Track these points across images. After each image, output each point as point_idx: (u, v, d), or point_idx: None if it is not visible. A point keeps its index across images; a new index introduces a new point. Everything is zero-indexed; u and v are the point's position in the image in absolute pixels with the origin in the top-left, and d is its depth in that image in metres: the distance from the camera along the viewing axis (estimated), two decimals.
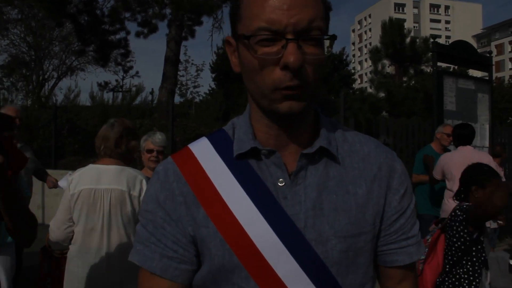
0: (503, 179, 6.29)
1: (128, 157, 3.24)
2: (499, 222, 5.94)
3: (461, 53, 8.20)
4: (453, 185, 4.97)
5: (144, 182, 3.14)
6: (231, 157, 1.13)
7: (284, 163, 1.10)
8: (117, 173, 3.09)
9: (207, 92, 28.81)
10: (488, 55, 9.14)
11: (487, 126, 8.45)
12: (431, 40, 8.03)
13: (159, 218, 1.12)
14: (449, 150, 5.84)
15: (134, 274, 3.13)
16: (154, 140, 3.93)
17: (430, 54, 24.29)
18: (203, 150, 1.17)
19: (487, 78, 8.99)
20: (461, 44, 8.35)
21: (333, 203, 1.09)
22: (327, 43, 1.13)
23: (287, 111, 1.03)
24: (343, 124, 1.31)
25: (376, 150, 1.19)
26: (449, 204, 5.10)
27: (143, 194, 3.09)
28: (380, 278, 1.24)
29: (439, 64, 7.92)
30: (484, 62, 8.90)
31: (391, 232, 1.16)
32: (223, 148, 1.15)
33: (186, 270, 1.12)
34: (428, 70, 28.45)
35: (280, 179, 1.09)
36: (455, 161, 5.16)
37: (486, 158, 5.14)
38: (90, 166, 3.15)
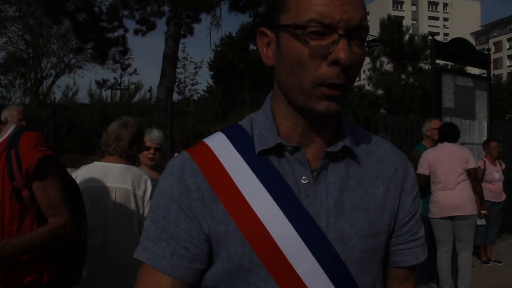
0: (498, 175, 6.46)
1: (135, 157, 3.25)
2: (483, 212, 6.01)
3: (459, 51, 8.21)
4: (436, 177, 5.60)
5: (148, 181, 3.14)
6: (250, 153, 1.10)
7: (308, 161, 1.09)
8: (123, 172, 3.09)
9: (206, 89, 28.81)
10: (486, 52, 9.16)
11: (485, 123, 8.48)
12: (430, 37, 8.04)
13: (172, 214, 1.07)
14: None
15: (136, 271, 3.14)
16: (152, 137, 3.91)
17: (428, 51, 24.29)
18: (220, 145, 1.13)
19: (485, 75, 9.01)
20: (459, 42, 8.37)
21: (353, 202, 1.09)
22: None
23: (324, 112, 1.01)
24: None
25: (392, 152, 1.20)
26: (437, 195, 5.64)
27: (147, 194, 3.10)
28: (386, 277, 1.23)
29: (437, 61, 7.93)
30: (482, 60, 8.93)
31: (402, 233, 1.18)
32: (241, 143, 1.12)
33: (197, 270, 1.08)
34: (427, 68, 28.44)
35: (304, 177, 1.07)
36: (438, 155, 5.62)
37: (466, 153, 5.66)
38: (96, 163, 3.14)
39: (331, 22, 0.96)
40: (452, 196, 5.53)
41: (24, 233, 2.06)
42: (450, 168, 5.55)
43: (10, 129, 2.13)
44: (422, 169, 5.73)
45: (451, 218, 5.59)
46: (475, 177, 5.78)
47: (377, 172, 1.14)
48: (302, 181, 1.07)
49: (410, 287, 1.23)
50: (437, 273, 5.85)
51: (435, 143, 5.97)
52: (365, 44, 1.03)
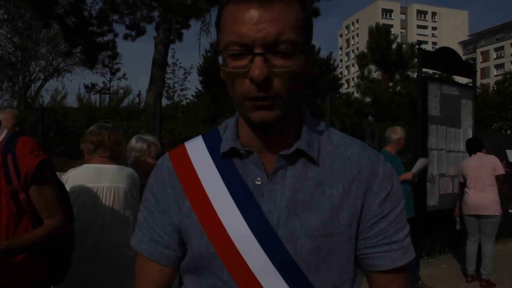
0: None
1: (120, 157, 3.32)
2: (510, 211, 7.11)
3: (445, 60, 8.31)
4: (468, 182, 6.87)
5: (138, 180, 3.21)
6: (218, 155, 1.21)
7: (263, 163, 1.16)
8: (118, 171, 3.14)
9: (194, 95, 28.80)
10: (472, 61, 9.27)
11: (470, 132, 8.58)
12: (417, 46, 8.13)
13: (152, 206, 1.26)
14: (402, 153, 6.57)
15: (128, 271, 3.17)
16: (158, 144, 3.92)
17: (415, 60, 24.53)
18: (195, 147, 1.27)
19: (471, 84, 9.12)
20: (446, 51, 8.46)
21: (307, 204, 1.13)
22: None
23: (259, 121, 1.08)
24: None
25: (360, 153, 1.21)
26: (468, 196, 6.86)
27: (137, 192, 3.20)
28: (368, 283, 1.25)
29: (425, 70, 8.02)
30: (468, 69, 9.03)
31: (371, 235, 1.18)
32: (213, 146, 1.23)
33: (169, 255, 1.24)
34: (414, 76, 28.64)
35: (258, 178, 1.16)
36: (470, 164, 6.94)
37: (493, 161, 6.88)
38: (86, 165, 3.16)
39: (247, 42, 1.02)
40: (480, 198, 6.72)
41: (20, 235, 2.12)
42: (479, 175, 6.77)
43: (2, 134, 2.17)
44: (459, 178, 7.15)
45: (478, 216, 6.76)
46: (503, 181, 6.80)
47: (338, 173, 1.17)
48: (257, 182, 1.16)
49: None
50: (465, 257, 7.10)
51: (398, 150, 6.33)
52: (300, 52, 1.06)
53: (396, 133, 6.30)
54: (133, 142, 3.66)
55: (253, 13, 1.02)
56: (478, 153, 7.01)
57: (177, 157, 1.27)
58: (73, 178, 3.07)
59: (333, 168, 1.18)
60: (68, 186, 3.05)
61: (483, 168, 6.79)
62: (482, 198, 6.71)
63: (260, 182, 1.15)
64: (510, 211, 7.05)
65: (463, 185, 7.03)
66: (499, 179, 6.76)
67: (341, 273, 1.16)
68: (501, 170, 6.80)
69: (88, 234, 3.01)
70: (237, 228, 1.13)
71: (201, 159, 1.23)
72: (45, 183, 2.23)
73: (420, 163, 6.35)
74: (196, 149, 1.26)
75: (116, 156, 3.21)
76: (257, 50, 1.02)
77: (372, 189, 1.18)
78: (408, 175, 6.08)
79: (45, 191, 2.22)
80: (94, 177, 3.06)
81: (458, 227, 7.25)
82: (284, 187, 1.14)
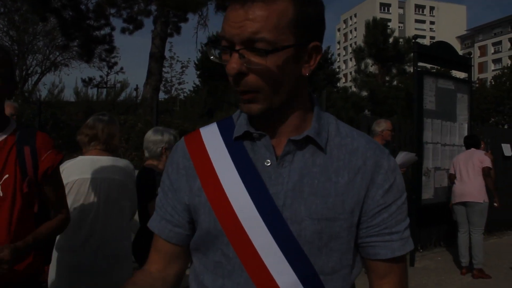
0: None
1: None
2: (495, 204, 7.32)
3: (441, 54, 8.34)
4: (458, 173, 7.22)
5: (133, 172, 3.24)
6: (230, 139, 1.28)
7: (273, 146, 1.23)
8: (112, 163, 3.16)
9: (192, 89, 28.79)
10: (468, 56, 9.29)
11: (465, 126, 8.62)
12: (413, 40, 8.15)
13: (166, 187, 1.34)
14: (388, 145, 6.50)
15: (121, 262, 3.20)
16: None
17: (412, 54, 24.49)
18: (210, 132, 1.34)
19: (467, 79, 9.14)
20: (442, 45, 8.49)
21: (313, 188, 1.19)
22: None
23: (247, 112, 1.19)
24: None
25: (366, 146, 1.26)
26: (454, 185, 7.26)
27: (133, 183, 3.27)
28: (366, 271, 1.30)
29: (423, 65, 8.04)
30: (464, 63, 9.04)
31: (373, 224, 1.23)
32: (226, 131, 1.30)
33: (179, 233, 1.32)
34: (411, 70, 28.65)
35: (267, 160, 1.22)
36: (460, 157, 7.34)
37: (481, 156, 7.14)
38: (81, 157, 3.19)
39: (229, 37, 1.12)
40: (464, 186, 7.07)
41: (28, 226, 2.16)
42: (466, 165, 7.13)
43: (13, 125, 2.18)
44: (450, 170, 7.54)
45: (464, 204, 7.06)
46: (488, 174, 7.04)
47: (344, 163, 1.23)
48: (266, 163, 1.22)
49: (392, 283, 1.27)
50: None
51: (385, 143, 6.38)
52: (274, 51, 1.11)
53: (380, 125, 6.39)
54: (158, 135, 3.70)
55: (236, 13, 1.11)
56: (472, 149, 7.33)
57: (191, 140, 1.34)
58: (68, 169, 3.09)
59: (340, 157, 1.23)
60: (63, 178, 3.08)
61: (471, 161, 7.13)
62: (466, 185, 7.06)
63: (269, 164, 1.21)
64: (495, 204, 7.28)
65: (452, 176, 7.39)
66: (484, 172, 7.03)
67: (341, 258, 1.21)
68: (487, 164, 7.05)
69: (82, 225, 3.03)
70: (244, 207, 1.19)
71: (214, 142, 1.30)
72: (58, 179, 2.34)
73: (402, 156, 6.34)
74: (210, 134, 1.33)
75: (111, 148, 3.24)
76: (237, 47, 1.11)
77: (376, 181, 1.23)
78: None
79: (58, 186, 2.34)
80: (89, 169, 3.09)
81: (454, 217, 7.34)
82: (291, 171, 1.20)
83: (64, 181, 3.01)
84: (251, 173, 1.22)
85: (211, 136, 1.32)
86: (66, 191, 2.99)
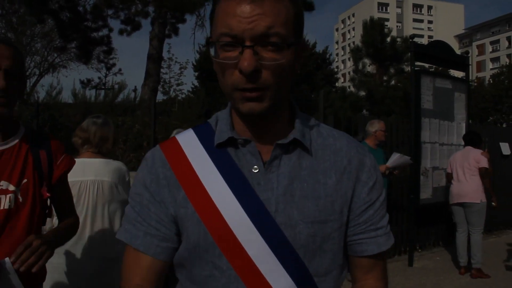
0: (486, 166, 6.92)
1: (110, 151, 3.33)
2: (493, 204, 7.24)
3: (439, 53, 8.31)
4: (454, 173, 7.16)
5: (127, 173, 3.23)
6: (212, 146, 1.23)
7: (259, 152, 1.20)
8: (104, 165, 3.16)
9: (190, 90, 28.75)
10: (465, 55, 9.28)
11: (463, 125, 8.60)
12: (410, 39, 8.14)
13: (145, 200, 1.24)
14: (381, 145, 6.59)
15: (112, 265, 3.17)
16: None
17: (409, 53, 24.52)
18: (187, 139, 1.28)
19: (465, 78, 9.13)
20: (439, 44, 8.45)
21: (303, 191, 1.18)
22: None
23: (248, 112, 1.12)
24: (321, 122, 1.39)
25: (348, 145, 1.28)
26: (451, 186, 7.22)
27: (127, 185, 3.23)
28: (350, 267, 1.30)
29: (420, 64, 8.02)
30: (461, 62, 9.02)
31: (360, 222, 1.24)
32: (205, 138, 1.26)
33: (167, 248, 1.23)
34: (408, 70, 28.64)
35: (255, 166, 1.19)
36: (457, 156, 7.31)
37: (478, 155, 7.03)
38: None
39: (237, 33, 1.07)
40: (461, 186, 7.01)
41: (38, 232, 2.11)
42: (462, 166, 7.07)
43: (23, 129, 2.12)
44: (447, 169, 7.49)
45: (462, 204, 7.01)
46: (484, 175, 6.95)
47: (330, 163, 1.23)
48: (254, 170, 1.19)
49: (376, 276, 1.29)
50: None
51: (379, 143, 6.42)
52: (287, 47, 1.10)
53: (373, 126, 6.36)
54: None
55: (245, 8, 1.06)
56: (468, 147, 7.26)
57: (169, 148, 1.28)
58: None
59: (325, 158, 1.24)
60: None
61: (467, 161, 7.06)
62: (464, 186, 7.00)
63: (257, 171, 1.19)
64: (493, 204, 7.21)
65: (450, 175, 7.35)
66: (481, 172, 6.96)
67: (334, 258, 1.22)
68: (484, 164, 6.97)
69: None
70: (235, 216, 1.16)
71: (194, 150, 1.25)
72: (68, 183, 2.33)
73: (395, 158, 6.31)
74: (189, 141, 1.28)
75: (104, 151, 3.23)
76: (247, 43, 1.06)
77: (361, 178, 1.25)
78: (381, 168, 6.10)
79: (68, 190, 2.34)
80: (79, 171, 3.07)
81: (454, 219, 7.31)
82: (280, 175, 1.18)
83: None
84: (239, 180, 1.18)
85: (189, 143, 1.27)
86: None
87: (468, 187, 6.95)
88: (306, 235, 1.16)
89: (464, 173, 7.02)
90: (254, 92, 1.10)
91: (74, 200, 3.03)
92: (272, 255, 1.16)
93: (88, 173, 3.09)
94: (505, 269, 7.35)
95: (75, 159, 3.14)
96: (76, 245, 3.02)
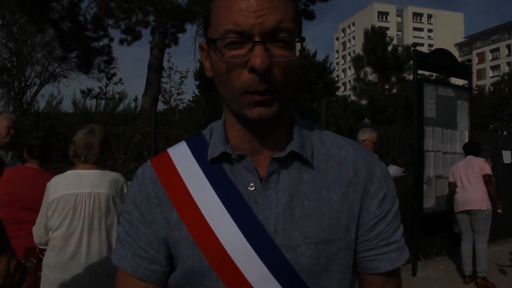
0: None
1: (106, 162, 3.27)
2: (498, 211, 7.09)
3: (441, 61, 8.30)
4: (458, 181, 7.12)
5: (125, 185, 3.17)
6: (205, 161, 1.13)
7: (256, 168, 1.09)
8: (100, 177, 3.10)
9: (191, 99, 28.77)
10: (467, 63, 9.26)
11: (466, 133, 8.57)
12: (412, 48, 8.11)
13: (135, 219, 1.15)
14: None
15: (110, 279, 3.12)
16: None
17: (411, 62, 24.57)
18: (180, 153, 1.18)
19: (467, 86, 9.11)
20: (441, 52, 8.44)
21: (304, 209, 1.07)
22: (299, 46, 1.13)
23: (257, 118, 1.02)
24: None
25: (355, 154, 1.16)
26: (456, 194, 7.13)
27: (124, 196, 3.14)
28: (361, 285, 1.19)
29: (421, 72, 8.01)
30: (463, 70, 9.01)
31: (370, 237, 1.13)
32: (199, 152, 1.16)
33: (156, 271, 1.14)
34: (410, 78, 28.65)
35: (251, 184, 1.09)
36: (459, 165, 7.28)
37: (481, 163, 7.06)
38: (69, 172, 3.14)
39: (245, 29, 0.98)
40: (467, 194, 6.95)
41: None
42: (466, 173, 7.04)
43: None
44: (450, 178, 7.40)
45: (468, 212, 6.93)
46: (489, 181, 6.92)
47: (335, 176, 1.12)
48: (250, 188, 1.09)
49: None
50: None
51: None
52: (294, 44, 1.03)
53: (364, 134, 6.23)
54: None
55: (251, 2, 0.98)
56: (469, 156, 7.26)
57: (160, 164, 1.18)
58: (55, 185, 3.06)
59: (329, 171, 1.12)
60: (50, 193, 3.03)
61: (470, 168, 7.04)
62: (469, 193, 6.95)
63: (253, 188, 1.08)
64: (498, 211, 7.12)
65: (452, 184, 7.29)
66: (485, 179, 6.92)
67: (341, 279, 1.11)
68: (487, 171, 6.95)
69: (70, 242, 2.98)
70: (232, 238, 1.06)
71: (187, 165, 1.15)
72: None
73: (391, 171, 6.20)
74: (181, 156, 1.18)
75: (92, 160, 3.15)
76: (257, 39, 0.98)
77: (370, 191, 1.13)
78: None
79: None
80: (75, 183, 3.03)
81: (455, 229, 7.26)
82: (279, 192, 1.08)
83: (51, 197, 2.97)
84: (235, 199, 1.08)
85: (182, 158, 1.17)
86: (53, 207, 2.94)
87: (474, 194, 6.89)
88: (309, 256, 1.05)
89: (469, 180, 6.97)
90: (265, 95, 1.00)
91: (70, 213, 2.99)
92: (273, 279, 1.05)
93: (84, 185, 3.03)
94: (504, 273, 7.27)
95: (71, 171, 3.12)
96: (72, 259, 2.97)
